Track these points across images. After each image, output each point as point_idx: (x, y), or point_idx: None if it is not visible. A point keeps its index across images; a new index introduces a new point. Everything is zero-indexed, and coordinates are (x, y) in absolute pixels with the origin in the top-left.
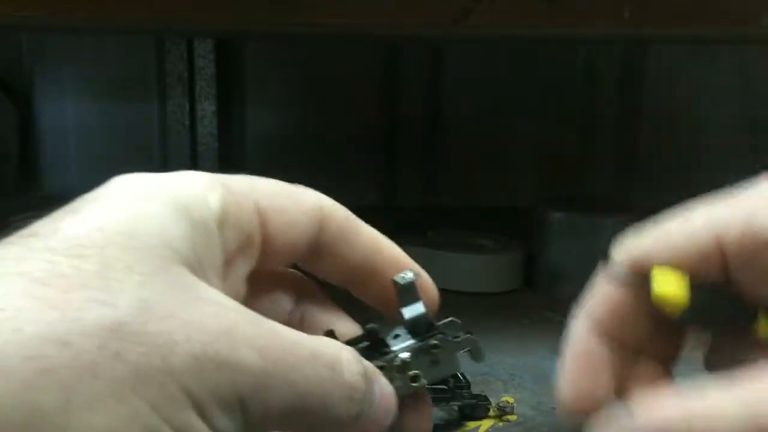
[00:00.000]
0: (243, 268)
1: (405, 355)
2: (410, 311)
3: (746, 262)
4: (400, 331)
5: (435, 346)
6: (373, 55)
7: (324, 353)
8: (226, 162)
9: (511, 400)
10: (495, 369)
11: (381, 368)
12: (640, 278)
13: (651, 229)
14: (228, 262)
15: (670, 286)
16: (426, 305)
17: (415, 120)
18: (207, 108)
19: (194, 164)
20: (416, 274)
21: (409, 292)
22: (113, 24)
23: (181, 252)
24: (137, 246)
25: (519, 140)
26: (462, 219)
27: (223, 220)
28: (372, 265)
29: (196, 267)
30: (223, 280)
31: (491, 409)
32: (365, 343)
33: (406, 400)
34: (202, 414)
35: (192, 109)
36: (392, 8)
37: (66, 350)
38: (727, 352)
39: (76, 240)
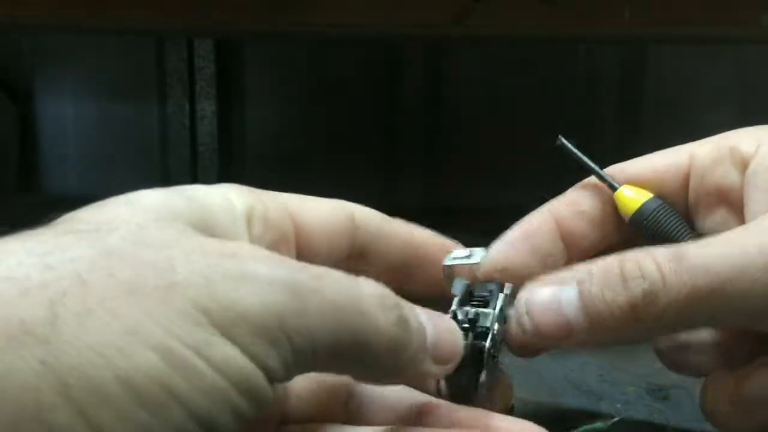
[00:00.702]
0: None
1: (496, 326)
2: (458, 285)
3: (708, 177)
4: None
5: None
6: (373, 55)
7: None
8: (226, 162)
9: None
10: None
11: (491, 350)
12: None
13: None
14: None
15: (630, 190)
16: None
17: (415, 120)
18: (207, 108)
19: (194, 164)
20: (471, 252)
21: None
22: (113, 24)
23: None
24: (146, 212)
25: (519, 140)
26: (462, 219)
27: (249, 215)
28: (415, 252)
29: None
30: None
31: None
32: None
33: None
34: (229, 334)
35: (192, 109)
36: (392, 8)
37: (50, 272)
38: None
39: (76, 215)
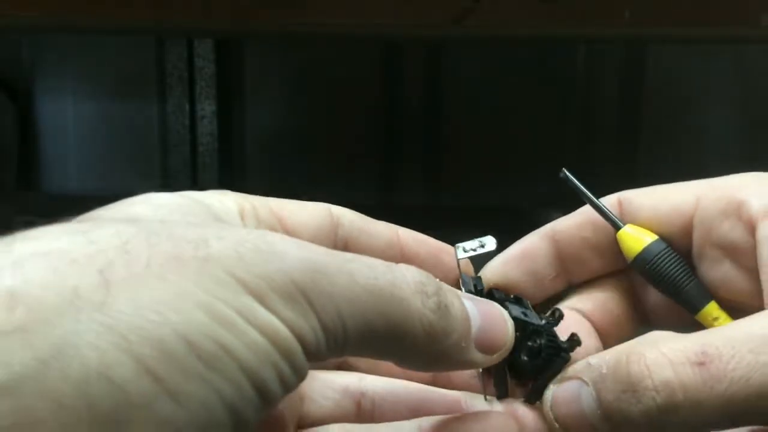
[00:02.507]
0: None
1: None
2: (467, 280)
3: (714, 230)
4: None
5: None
6: (373, 55)
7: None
8: (226, 162)
9: None
10: None
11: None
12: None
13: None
14: None
15: (634, 230)
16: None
17: (415, 120)
18: (207, 108)
19: (194, 164)
20: (482, 242)
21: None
22: (113, 24)
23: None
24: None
25: (519, 140)
26: (462, 219)
27: (242, 213)
28: (401, 252)
29: None
30: None
31: None
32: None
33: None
34: (263, 301)
35: (192, 109)
36: (392, 8)
37: (92, 246)
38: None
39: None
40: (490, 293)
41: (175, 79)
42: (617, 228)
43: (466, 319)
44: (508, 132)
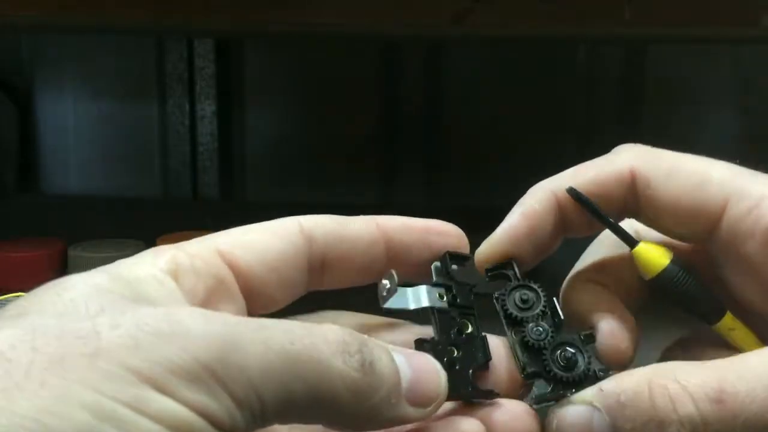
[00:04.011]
0: (230, 309)
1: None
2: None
3: (738, 244)
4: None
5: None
6: (373, 55)
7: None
8: (226, 162)
9: None
10: None
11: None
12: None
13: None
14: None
15: (649, 248)
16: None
17: (415, 120)
18: (207, 108)
19: (194, 164)
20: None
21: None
22: (113, 24)
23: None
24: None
25: (519, 140)
26: (462, 219)
27: (174, 272)
28: (387, 246)
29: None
30: None
31: None
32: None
33: None
34: (161, 388)
35: (192, 109)
36: (392, 8)
37: None
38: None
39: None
40: (510, 265)
41: (175, 79)
42: (632, 246)
43: (395, 373)
44: (508, 132)
